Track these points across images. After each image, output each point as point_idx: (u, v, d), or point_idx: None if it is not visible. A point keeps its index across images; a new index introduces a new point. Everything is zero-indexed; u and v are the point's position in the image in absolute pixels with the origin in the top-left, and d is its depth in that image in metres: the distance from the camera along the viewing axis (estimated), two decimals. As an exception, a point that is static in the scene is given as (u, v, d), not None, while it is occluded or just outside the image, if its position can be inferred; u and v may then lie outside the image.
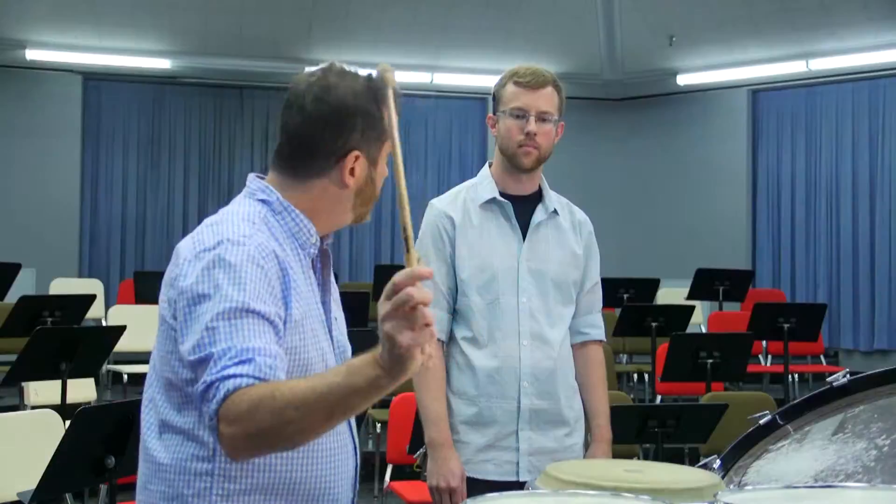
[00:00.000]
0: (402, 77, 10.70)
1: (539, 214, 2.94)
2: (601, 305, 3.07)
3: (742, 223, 10.68)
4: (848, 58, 9.84)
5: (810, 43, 9.95)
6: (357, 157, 1.87)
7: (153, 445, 1.83)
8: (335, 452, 1.88)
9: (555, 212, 2.96)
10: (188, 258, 1.79)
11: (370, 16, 10.20)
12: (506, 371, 2.84)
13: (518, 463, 2.83)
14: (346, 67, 1.90)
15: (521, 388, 2.85)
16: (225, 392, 1.63)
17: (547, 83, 2.88)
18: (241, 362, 1.65)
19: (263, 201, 1.90)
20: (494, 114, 2.94)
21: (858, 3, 9.51)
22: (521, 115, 2.86)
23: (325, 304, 1.94)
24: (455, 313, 2.91)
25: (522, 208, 2.93)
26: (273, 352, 1.69)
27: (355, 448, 1.95)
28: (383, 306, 1.50)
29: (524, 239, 2.91)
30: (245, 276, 1.74)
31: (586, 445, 3.02)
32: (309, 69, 1.96)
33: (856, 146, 10.02)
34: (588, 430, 3.02)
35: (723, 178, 10.79)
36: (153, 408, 1.84)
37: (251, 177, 1.96)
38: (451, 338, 2.92)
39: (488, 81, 12.27)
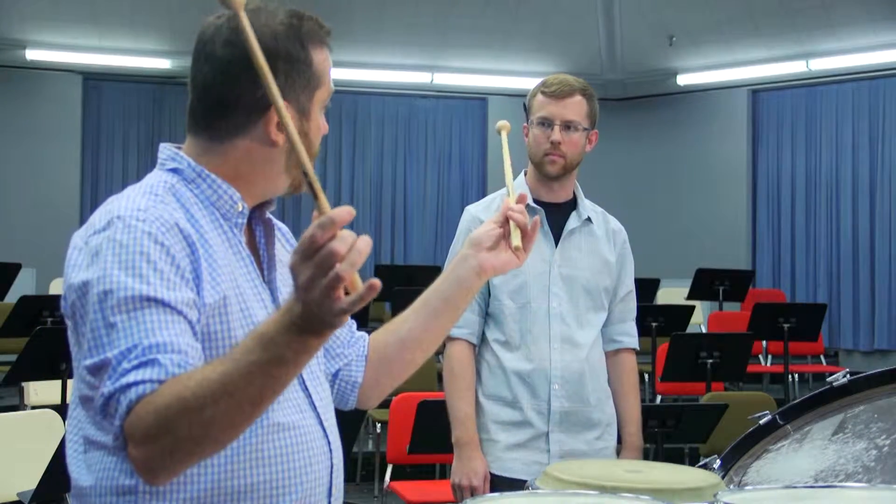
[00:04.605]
0: (402, 77, 10.67)
1: (572, 221, 2.99)
2: (635, 314, 3.11)
3: (742, 223, 10.68)
4: (848, 58, 9.83)
5: (810, 43, 9.95)
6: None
7: (76, 469, 1.57)
8: (289, 452, 1.60)
9: (588, 219, 3.02)
10: (78, 245, 1.54)
11: (370, 16, 10.20)
12: (536, 373, 2.90)
13: (548, 464, 2.86)
14: (261, 3, 1.63)
15: (552, 390, 2.90)
16: (127, 405, 1.37)
17: (574, 92, 2.94)
18: (143, 365, 1.39)
19: (174, 170, 1.64)
20: (527, 123, 3.00)
21: (858, 3, 9.51)
22: (546, 123, 2.93)
23: (272, 282, 1.68)
24: (487, 316, 2.97)
25: (557, 215, 2.99)
26: (182, 346, 1.43)
27: (329, 445, 1.68)
28: (302, 269, 1.25)
29: (556, 245, 2.96)
30: (142, 259, 1.47)
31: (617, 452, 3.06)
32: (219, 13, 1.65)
33: (856, 146, 10.02)
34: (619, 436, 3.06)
35: (723, 178, 10.79)
36: (76, 425, 1.57)
37: (162, 146, 1.69)
38: (483, 340, 2.98)
39: (488, 81, 12.25)
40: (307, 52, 1.62)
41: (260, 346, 1.33)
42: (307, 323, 1.29)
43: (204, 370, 1.37)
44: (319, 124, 1.66)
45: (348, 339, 1.89)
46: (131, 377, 1.38)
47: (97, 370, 1.44)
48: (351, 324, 1.89)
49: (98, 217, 1.56)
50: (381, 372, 1.87)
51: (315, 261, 1.24)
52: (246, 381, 1.33)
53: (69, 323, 1.55)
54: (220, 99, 1.60)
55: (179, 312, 1.46)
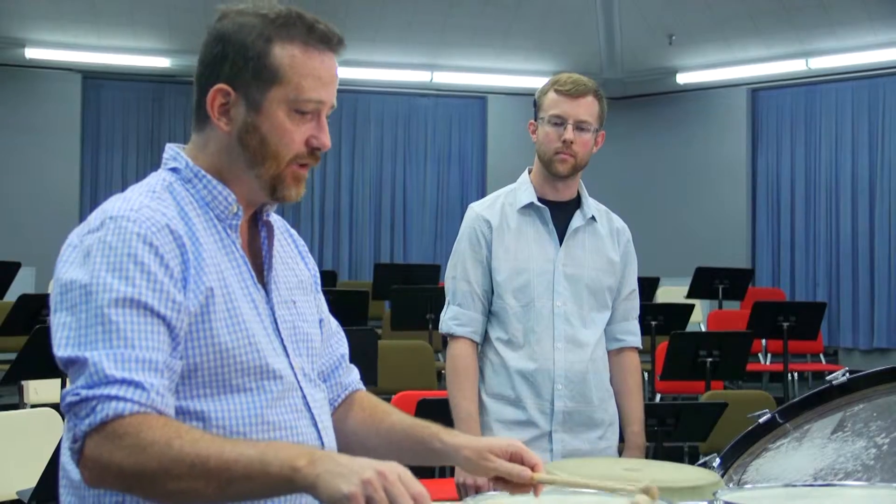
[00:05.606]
0: (402, 76, 10.66)
1: (577, 220, 2.98)
2: (638, 312, 3.10)
3: (742, 222, 10.68)
4: (848, 57, 9.84)
5: (810, 42, 9.95)
6: (224, 92, 1.61)
7: (69, 460, 1.57)
8: None
9: (592, 218, 3.00)
10: (73, 243, 1.56)
11: (370, 15, 10.20)
12: (540, 373, 2.89)
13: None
14: (263, 5, 1.66)
15: (555, 390, 2.89)
16: (103, 417, 1.42)
17: (587, 92, 2.91)
18: (127, 383, 1.43)
19: (173, 170, 1.67)
20: (536, 120, 2.97)
21: (858, 3, 9.51)
22: (559, 122, 2.90)
23: (268, 283, 1.69)
24: (490, 315, 2.96)
25: (560, 214, 2.98)
26: (161, 364, 1.47)
27: (323, 447, 1.69)
28: (381, 489, 1.35)
29: (561, 244, 2.95)
30: (129, 260, 1.50)
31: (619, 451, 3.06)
32: None
33: (856, 145, 10.02)
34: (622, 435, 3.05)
35: (723, 177, 10.79)
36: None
37: (167, 146, 1.73)
38: (486, 339, 2.97)
39: (488, 81, 12.24)
40: (268, 46, 1.61)
41: (263, 449, 1.42)
42: (308, 485, 1.37)
43: (203, 436, 1.45)
44: (282, 124, 1.62)
45: (335, 366, 1.88)
46: (114, 390, 1.43)
47: (70, 364, 1.47)
48: (339, 360, 1.89)
49: (94, 216, 1.58)
50: (342, 426, 1.84)
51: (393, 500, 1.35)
52: (226, 467, 1.40)
53: None
54: (199, 91, 1.65)
55: (161, 317, 1.49)
